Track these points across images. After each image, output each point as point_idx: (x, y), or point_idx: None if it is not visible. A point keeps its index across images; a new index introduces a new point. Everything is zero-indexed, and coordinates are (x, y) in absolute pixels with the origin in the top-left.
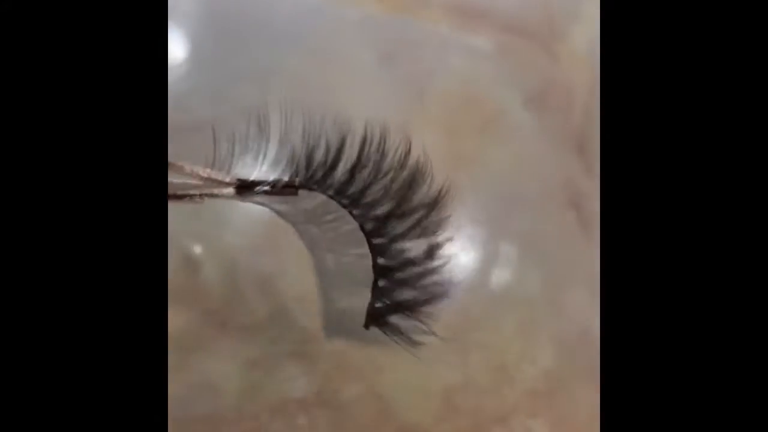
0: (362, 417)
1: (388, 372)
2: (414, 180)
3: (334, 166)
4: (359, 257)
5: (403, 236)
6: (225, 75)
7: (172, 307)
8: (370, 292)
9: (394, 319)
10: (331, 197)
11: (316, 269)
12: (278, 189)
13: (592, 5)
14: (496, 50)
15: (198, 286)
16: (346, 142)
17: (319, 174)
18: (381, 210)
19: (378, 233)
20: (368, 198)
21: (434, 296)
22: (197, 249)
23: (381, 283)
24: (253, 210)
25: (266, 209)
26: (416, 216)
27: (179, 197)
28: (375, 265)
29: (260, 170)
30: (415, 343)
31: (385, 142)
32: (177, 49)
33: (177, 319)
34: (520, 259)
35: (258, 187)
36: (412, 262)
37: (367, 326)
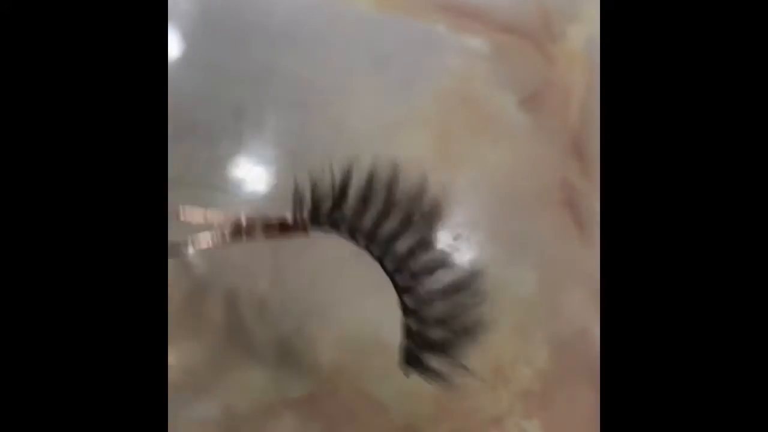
0: (357, 418)
1: (384, 373)
2: (435, 213)
3: (342, 195)
4: None
5: (431, 271)
6: (220, 76)
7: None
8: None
9: (430, 360)
10: (345, 236)
11: None
12: (286, 229)
13: (588, 6)
14: (492, 51)
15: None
16: (352, 173)
17: (327, 206)
18: (402, 246)
19: (401, 271)
20: (383, 233)
21: (467, 335)
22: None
23: (412, 324)
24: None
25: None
26: (439, 248)
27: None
28: (402, 305)
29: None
30: (453, 386)
31: (397, 174)
32: (172, 50)
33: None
34: (515, 259)
35: (264, 229)
36: (439, 301)
37: (407, 374)
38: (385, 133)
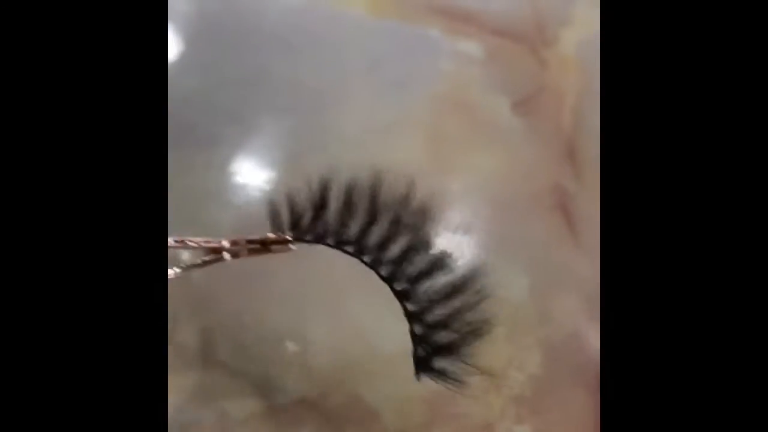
0: (348, 423)
1: (375, 378)
2: (425, 215)
3: (322, 205)
4: None
5: (427, 275)
6: (213, 80)
7: None
8: (411, 340)
9: (441, 364)
10: (332, 246)
11: None
12: (267, 246)
13: (582, 10)
14: (485, 55)
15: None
16: (331, 181)
17: (308, 218)
18: (393, 251)
19: (396, 277)
20: (372, 240)
21: (473, 335)
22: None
23: (417, 329)
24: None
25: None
26: (435, 251)
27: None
28: (404, 311)
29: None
30: (463, 385)
31: (380, 180)
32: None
33: None
34: (507, 263)
35: (247, 245)
36: (439, 304)
37: (418, 378)
38: (378, 136)
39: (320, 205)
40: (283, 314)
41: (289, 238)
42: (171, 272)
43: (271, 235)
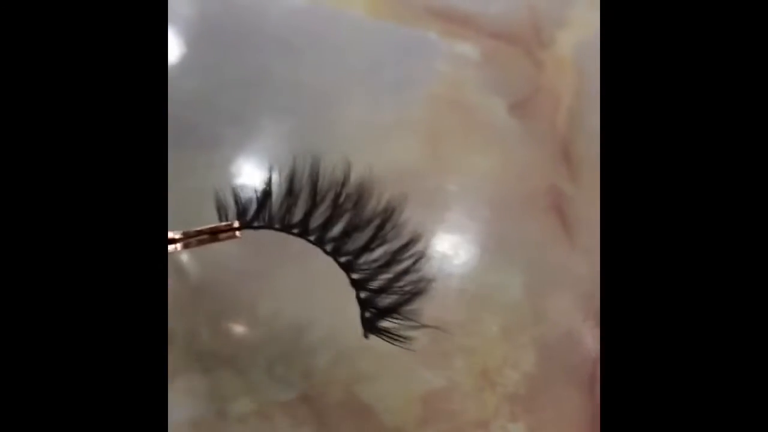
0: (345, 421)
1: (371, 376)
2: (361, 196)
3: (266, 195)
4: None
5: (366, 249)
6: (214, 81)
7: None
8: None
9: (385, 323)
10: (279, 230)
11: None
12: (215, 235)
13: (578, 12)
14: (482, 57)
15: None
16: (272, 175)
17: (253, 208)
18: (335, 230)
19: (340, 252)
20: (315, 222)
21: (413, 295)
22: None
23: (362, 295)
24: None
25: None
26: (372, 227)
27: None
28: (351, 281)
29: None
30: (408, 339)
31: (318, 167)
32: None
33: None
34: (503, 263)
35: (198, 237)
36: (380, 271)
37: (366, 336)
38: (376, 136)
39: (265, 193)
40: (283, 311)
41: (236, 226)
42: None
43: (219, 225)
